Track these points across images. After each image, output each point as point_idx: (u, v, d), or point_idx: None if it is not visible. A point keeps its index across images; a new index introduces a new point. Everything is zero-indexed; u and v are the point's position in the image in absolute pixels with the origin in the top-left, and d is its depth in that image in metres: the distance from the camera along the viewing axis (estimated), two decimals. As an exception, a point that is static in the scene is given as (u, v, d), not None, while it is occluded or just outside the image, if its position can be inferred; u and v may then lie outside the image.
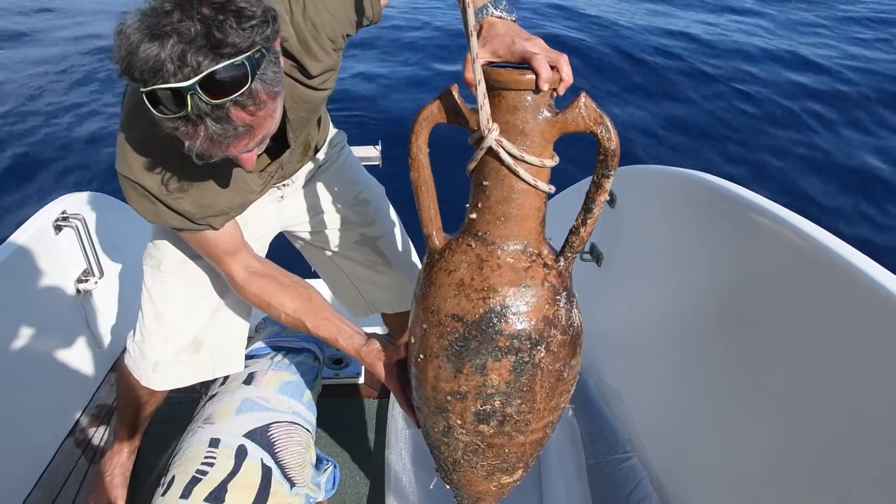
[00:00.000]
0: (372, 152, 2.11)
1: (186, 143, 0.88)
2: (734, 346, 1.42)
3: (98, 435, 2.09)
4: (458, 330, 0.91)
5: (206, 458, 1.34)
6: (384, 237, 1.67)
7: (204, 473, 1.31)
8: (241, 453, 1.36)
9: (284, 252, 1.68)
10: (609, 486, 1.79)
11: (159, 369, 1.55)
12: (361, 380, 2.24)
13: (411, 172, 0.94)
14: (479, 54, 0.84)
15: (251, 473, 1.34)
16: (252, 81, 0.85)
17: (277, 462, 1.40)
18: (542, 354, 0.91)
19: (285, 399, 1.55)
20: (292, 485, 1.41)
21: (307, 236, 1.68)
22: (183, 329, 1.53)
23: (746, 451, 1.38)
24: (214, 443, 1.38)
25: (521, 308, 0.89)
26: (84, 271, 2.19)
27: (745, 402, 1.38)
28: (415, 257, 1.78)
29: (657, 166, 1.74)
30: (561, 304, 0.92)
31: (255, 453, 1.38)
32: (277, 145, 1.23)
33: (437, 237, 0.97)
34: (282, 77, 0.93)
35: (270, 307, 1.30)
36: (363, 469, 1.92)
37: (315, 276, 2.08)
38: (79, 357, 2.22)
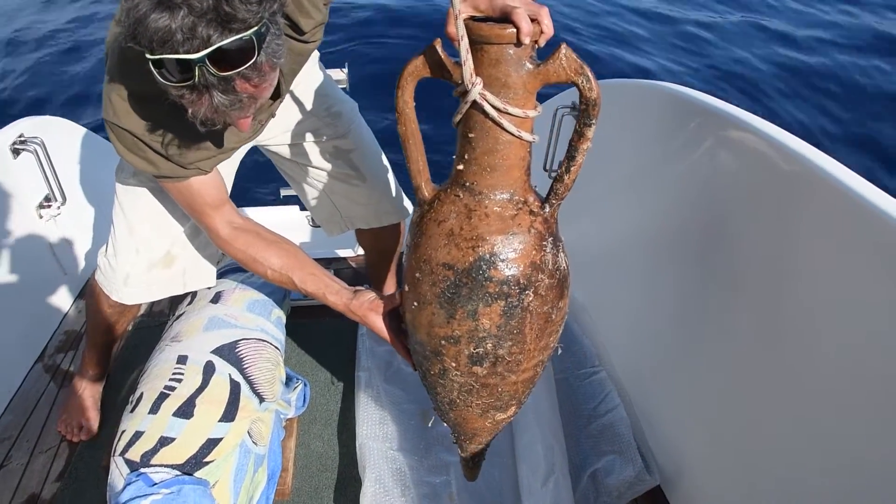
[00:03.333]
0: (339, 74, 2.09)
1: (190, 110, 0.91)
2: (702, 260, 1.43)
3: (67, 360, 2.10)
4: (450, 278, 0.95)
5: (174, 374, 1.36)
6: (357, 150, 1.69)
7: (172, 389, 1.33)
8: (209, 369, 1.38)
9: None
10: (577, 399, 1.85)
11: (130, 282, 1.55)
12: None
13: (398, 126, 0.95)
14: (462, 9, 0.84)
15: (219, 388, 1.36)
16: (258, 55, 0.87)
17: (246, 377, 1.42)
18: (531, 298, 0.95)
19: (253, 317, 1.56)
20: (261, 400, 1.44)
21: (281, 150, 1.68)
22: (155, 242, 1.53)
23: (712, 364, 1.42)
24: (182, 359, 1.39)
25: (509, 255, 0.93)
26: (46, 197, 2.14)
27: (712, 316, 1.41)
28: (390, 175, 1.79)
29: (620, 80, 1.72)
30: (548, 250, 0.96)
31: (223, 369, 1.40)
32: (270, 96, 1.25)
33: (426, 188, 1.00)
34: (284, 47, 0.95)
35: (256, 262, 1.30)
36: (334, 387, 1.97)
37: (285, 202, 2.04)
38: (45, 283, 2.20)
